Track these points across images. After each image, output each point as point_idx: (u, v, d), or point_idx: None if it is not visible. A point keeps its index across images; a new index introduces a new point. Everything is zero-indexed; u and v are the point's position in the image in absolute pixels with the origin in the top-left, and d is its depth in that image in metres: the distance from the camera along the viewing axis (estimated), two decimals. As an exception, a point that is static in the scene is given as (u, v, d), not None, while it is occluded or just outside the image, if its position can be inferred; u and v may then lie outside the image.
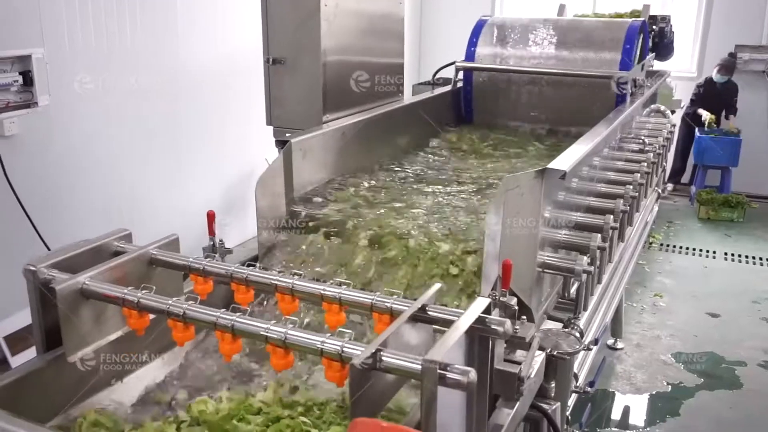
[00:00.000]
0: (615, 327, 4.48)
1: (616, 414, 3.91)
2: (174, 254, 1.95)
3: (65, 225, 4.22)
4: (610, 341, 4.51)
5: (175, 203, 5.04)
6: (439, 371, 1.32)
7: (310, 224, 2.52)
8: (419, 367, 1.35)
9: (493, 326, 1.54)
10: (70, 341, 1.74)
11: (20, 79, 3.95)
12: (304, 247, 2.44)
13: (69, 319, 1.73)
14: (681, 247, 6.46)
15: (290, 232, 2.50)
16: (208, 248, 2.17)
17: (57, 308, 1.71)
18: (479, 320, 1.55)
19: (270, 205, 2.50)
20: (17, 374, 1.70)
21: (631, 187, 2.92)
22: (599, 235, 2.43)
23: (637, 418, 3.88)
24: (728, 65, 7.53)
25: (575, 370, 2.52)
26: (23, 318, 4.10)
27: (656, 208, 4.76)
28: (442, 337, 1.42)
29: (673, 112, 4.87)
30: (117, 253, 1.95)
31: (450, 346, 1.39)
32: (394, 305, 1.64)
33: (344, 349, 1.45)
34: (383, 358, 1.39)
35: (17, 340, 4.19)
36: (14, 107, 3.98)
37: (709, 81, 7.65)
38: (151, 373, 2.07)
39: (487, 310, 1.59)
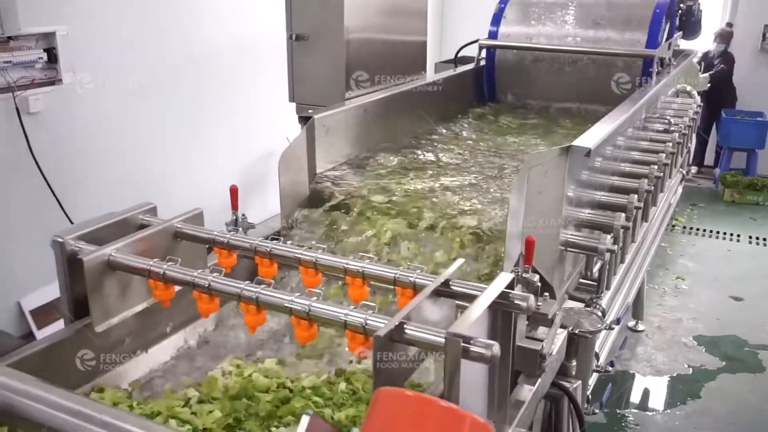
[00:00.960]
0: (636, 309, 4.46)
1: (636, 395, 3.90)
2: (198, 227, 1.96)
3: (89, 200, 4.27)
4: (631, 323, 4.49)
5: (196, 181, 5.07)
6: (462, 344, 1.32)
7: (333, 200, 2.52)
8: (442, 340, 1.35)
9: (517, 301, 1.54)
10: (97, 311, 1.77)
11: (45, 56, 3.98)
12: (326, 222, 2.45)
13: (96, 289, 1.75)
14: (704, 230, 6.39)
15: (313, 208, 2.50)
16: (231, 222, 2.18)
17: (84, 279, 1.74)
18: (502, 295, 1.54)
19: (293, 181, 2.50)
20: (46, 343, 1.73)
21: (656, 167, 2.89)
22: (623, 214, 2.41)
23: (657, 399, 3.87)
24: (724, 34, 7.49)
25: (596, 349, 2.52)
26: (49, 293, 4.16)
27: (680, 190, 4.70)
28: (465, 311, 1.42)
29: (699, 93, 4.79)
30: (142, 226, 1.97)
31: (473, 320, 1.39)
32: (417, 279, 1.65)
33: (368, 321, 1.45)
34: (407, 330, 1.39)
35: (43, 314, 4.26)
36: (39, 84, 4.02)
37: (705, 53, 7.57)
38: (175, 344, 2.10)
39: (511, 286, 1.58)
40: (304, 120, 2.64)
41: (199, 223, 2.00)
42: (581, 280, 2.52)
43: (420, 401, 1.01)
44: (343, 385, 1.88)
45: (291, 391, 1.85)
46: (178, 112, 5.02)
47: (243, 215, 2.19)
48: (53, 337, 1.76)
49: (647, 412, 3.74)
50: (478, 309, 1.43)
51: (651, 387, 3.99)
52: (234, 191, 2.18)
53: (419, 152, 3.14)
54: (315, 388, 1.86)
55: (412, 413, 1.00)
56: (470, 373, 1.42)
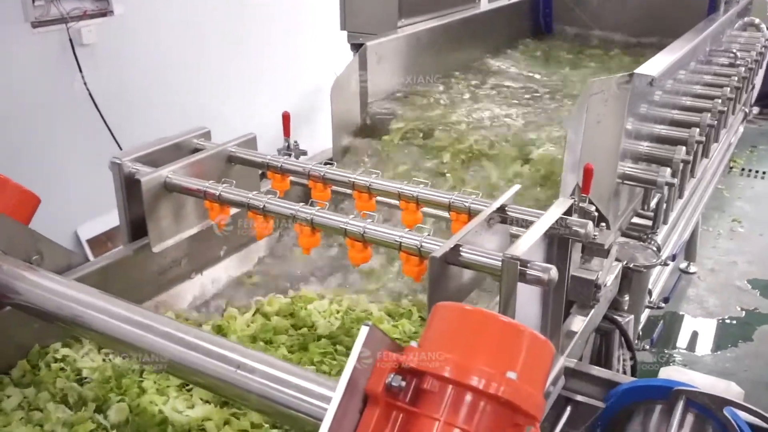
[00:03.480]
0: (689, 250, 4.36)
1: (685, 336, 3.86)
2: (252, 152, 1.97)
3: (141, 131, 4.30)
4: (683, 265, 4.40)
5: (245, 113, 5.07)
6: (519, 267, 1.30)
7: (385, 129, 2.50)
8: (499, 263, 1.34)
9: (575, 227, 1.50)
10: (154, 232, 1.80)
11: (97, -13, 3.99)
12: (379, 151, 2.42)
13: (153, 210, 1.78)
14: (764, 173, 6.16)
15: (365, 137, 2.48)
16: (283, 149, 2.17)
17: (141, 200, 1.77)
18: (560, 221, 1.51)
19: (345, 109, 2.48)
20: (107, 261, 1.78)
21: (720, 101, 2.77)
22: (684, 147, 2.33)
23: (707, 341, 3.82)
24: None
25: (649, 285, 2.48)
26: (104, 223, 4.28)
27: (741, 130, 4.52)
28: (523, 235, 1.40)
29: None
30: (196, 150, 1.98)
31: (531, 245, 1.37)
32: (472, 205, 1.62)
33: (423, 244, 1.44)
34: (462, 253, 1.38)
35: (98, 243, 4.39)
36: (91, 16, 4.03)
37: None
38: (227, 268, 2.13)
39: (568, 212, 1.55)
40: (356, 48, 2.60)
41: (252, 148, 2.01)
42: (633, 220, 2.47)
43: (480, 315, 1.00)
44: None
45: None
46: (229, 42, 4.98)
47: (295, 142, 2.18)
48: (113, 256, 1.81)
49: (696, 353, 3.70)
50: (536, 233, 1.41)
51: (701, 328, 3.93)
52: (286, 117, 2.16)
53: (472, 83, 3.07)
54: (332, 337, 1.83)
55: (471, 327, 0.99)
56: (525, 299, 1.40)
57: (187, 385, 1.59)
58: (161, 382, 1.60)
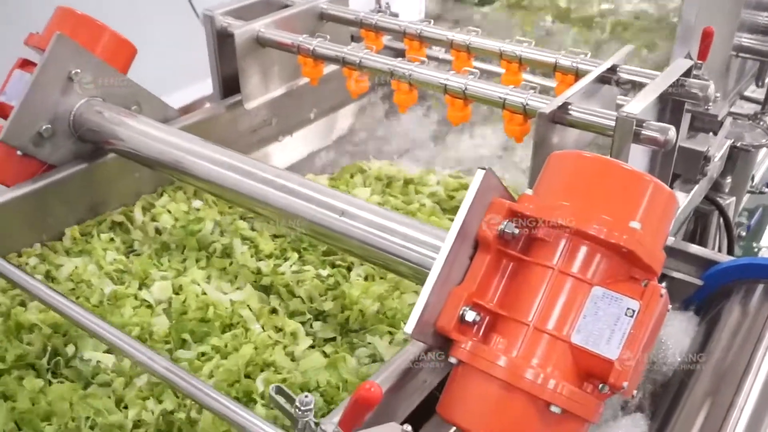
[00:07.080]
0: (789, 142, 4.11)
1: (775, 230, 3.69)
2: (345, 8, 1.89)
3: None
4: (781, 157, 4.15)
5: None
6: (635, 127, 1.23)
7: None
8: (611, 121, 1.26)
9: (694, 89, 1.40)
10: (247, 88, 1.78)
11: None
12: (474, 17, 2.31)
13: (246, 66, 1.76)
14: None
15: (461, 2, 2.36)
16: (374, 10, 2.08)
17: (234, 56, 1.74)
18: (677, 84, 1.41)
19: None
20: (200, 116, 1.78)
21: None
22: (809, 18, 2.13)
23: (800, 236, 3.65)
24: None
25: (752, 170, 2.35)
26: (190, 94, 4.29)
27: None
28: (638, 94, 1.31)
29: None
30: (285, 7, 1.91)
31: (647, 104, 1.28)
32: (580, 65, 1.52)
33: (529, 101, 1.37)
34: (571, 111, 1.31)
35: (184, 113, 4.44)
36: None
37: None
38: (316, 131, 2.11)
39: (687, 74, 1.44)
40: None
41: (344, 5, 1.93)
42: (733, 110, 2.31)
43: (601, 162, 0.94)
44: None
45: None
46: None
47: (387, 3, 2.09)
48: (207, 111, 1.81)
49: (786, 248, 3.55)
50: (653, 93, 1.31)
51: (793, 224, 3.75)
52: (382, -23, 2.06)
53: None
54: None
55: (591, 174, 0.94)
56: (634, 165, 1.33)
57: (231, 264, 1.52)
58: (204, 262, 1.52)
